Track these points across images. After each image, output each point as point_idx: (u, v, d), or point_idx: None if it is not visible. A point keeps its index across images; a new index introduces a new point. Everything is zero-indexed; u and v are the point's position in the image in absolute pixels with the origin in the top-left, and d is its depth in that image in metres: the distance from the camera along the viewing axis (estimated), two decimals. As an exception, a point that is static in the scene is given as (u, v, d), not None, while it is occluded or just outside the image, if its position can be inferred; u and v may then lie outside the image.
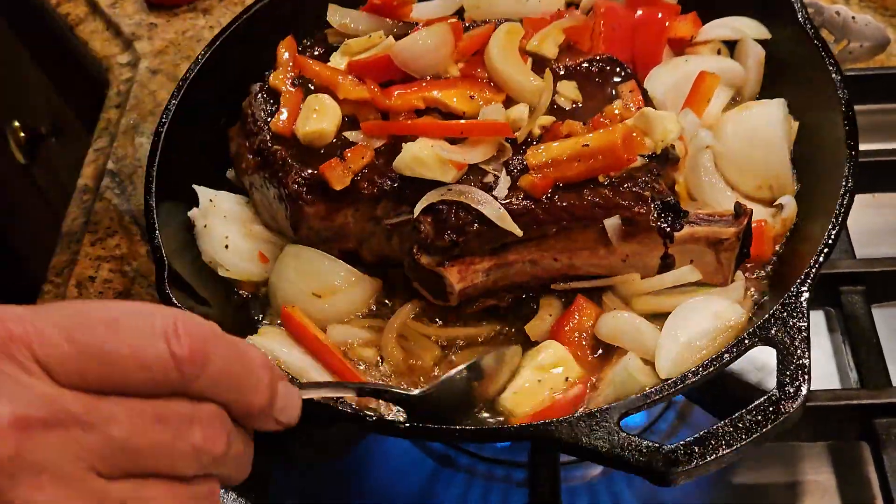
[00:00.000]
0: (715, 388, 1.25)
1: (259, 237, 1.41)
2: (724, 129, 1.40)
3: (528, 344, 1.30)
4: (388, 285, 1.38)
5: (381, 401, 1.22)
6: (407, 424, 1.13)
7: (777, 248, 1.34)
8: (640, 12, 1.52)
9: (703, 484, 1.39)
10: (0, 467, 0.71)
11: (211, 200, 1.42)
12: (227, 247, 1.39)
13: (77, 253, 1.62)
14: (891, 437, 1.28)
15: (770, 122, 1.40)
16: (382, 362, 1.31)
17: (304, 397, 0.98)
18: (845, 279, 1.43)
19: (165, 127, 1.41)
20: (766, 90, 1.50)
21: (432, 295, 1.32)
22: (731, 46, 1.53)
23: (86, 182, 1.74)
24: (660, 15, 1.52)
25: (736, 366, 1.17)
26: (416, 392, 1.20)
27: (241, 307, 1.38)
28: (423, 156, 1.27)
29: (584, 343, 1.29)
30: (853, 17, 1.67)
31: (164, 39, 1.91)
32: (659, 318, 1.28)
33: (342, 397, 1.16)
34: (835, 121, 1.33)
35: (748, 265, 1.33)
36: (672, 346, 1.22)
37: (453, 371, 1.22)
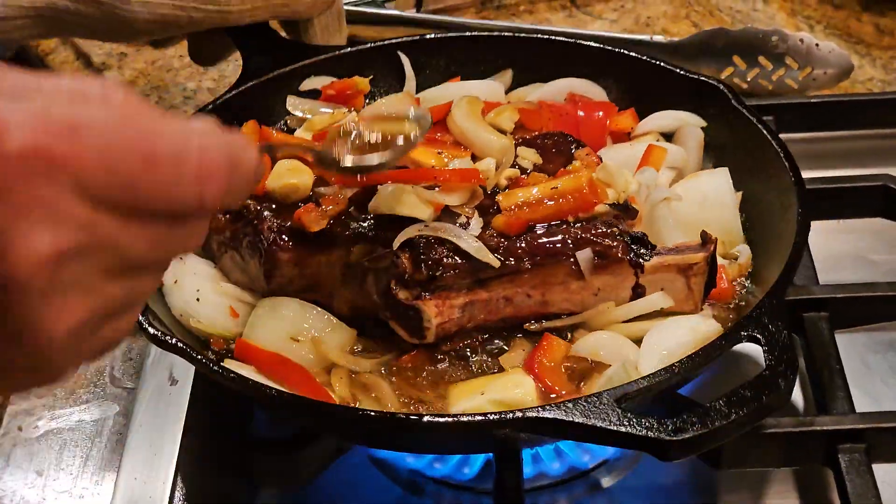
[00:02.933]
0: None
1: (230, 294, 1.42)
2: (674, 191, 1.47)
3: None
4: (363, 337, 1.38)
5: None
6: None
7: (738, 290, 1.41)
8: (581, 109, 1.61)
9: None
10: (37, 290, 0.75)
11: (181, 258, 1.43)
12: (198, 299, 1.39)
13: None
14: (853, 464, 1.29)
15: (718, 186, 1.48)
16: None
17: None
18: (809, 305, 1.47)
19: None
20: (706, 168, 1.58)
21: (409, 333, 1.33)
22: (668, 139, 1.61)
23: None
24: (600, 113, 1.62)
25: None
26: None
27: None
28: (399, 194, 1.32)
29: (557, 374, 1.31)
30: (817, 45, 1.79)
31: (135, 69, 1.93)
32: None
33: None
34: (780, 176, 1.43)
35: (712, 302, 1.38)
36: (655, 352, 1.26)
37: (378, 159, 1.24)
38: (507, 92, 1.70)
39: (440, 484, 1.41)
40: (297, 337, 1.34)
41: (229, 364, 1.30)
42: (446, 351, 1.35)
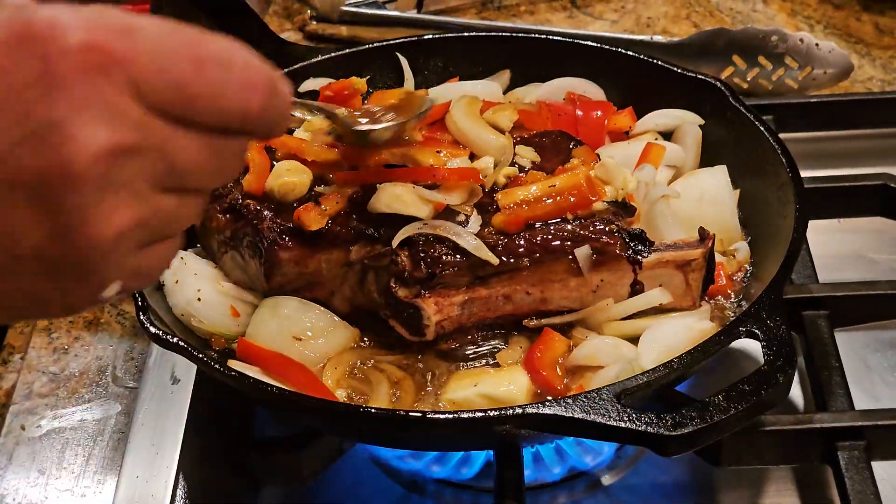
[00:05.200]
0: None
1: (230, 294, 1.42)
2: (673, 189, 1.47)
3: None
4: (364, 336, 1.39)
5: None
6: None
7: (736, 286, 1.41)
8: (579, 109, 1.61)
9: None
10: (91, 184, 0.77)
11: (182, 258, 1.43)
12: (199, 299, 1.39)
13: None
14: (852, 461, 1.30)
15: (718, 184, 1.49)
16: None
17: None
18: (809, 303, 1.47)
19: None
20: (703, 167, 1.58)
21: (408, 331, 1.33)
22: (666, 138, 1.62)
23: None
24: (598, 112, 1.62)
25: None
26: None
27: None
28: (399, 192, 1.32)
29: (554, 369, 1.31)
30: (817, 44, 1.79)
31: None
32: (632, 342, 1.32)
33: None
34: (777, 172, 1.44)
35: (710, 300, 1.39)
36: (654, 348, 1.27)
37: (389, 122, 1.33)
38: (505, 92, 1.70)
39: (441, 483, 1.41)
40: (300, 336, 1.34)
41: (233, 364, 1.30)
42: (445, 349, 1.35)
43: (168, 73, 0.79)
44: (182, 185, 0.84)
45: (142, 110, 0.79)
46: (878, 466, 1.31)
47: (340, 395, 1.31)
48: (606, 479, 1.41)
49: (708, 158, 1.59)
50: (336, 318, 1.37)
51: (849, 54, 1.84)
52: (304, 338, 1.35)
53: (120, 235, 0.80)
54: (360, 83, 1.61)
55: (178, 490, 1.33)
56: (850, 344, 1.52)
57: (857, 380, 1.45)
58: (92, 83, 0.76)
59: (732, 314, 1.37)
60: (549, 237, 1.32)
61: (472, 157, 1.44)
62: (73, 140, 0.76)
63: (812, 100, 1.80)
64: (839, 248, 1.65)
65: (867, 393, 1.49)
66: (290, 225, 1.37)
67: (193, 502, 1.33)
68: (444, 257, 1.30)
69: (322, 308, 1.37)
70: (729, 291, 1.40)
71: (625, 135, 1.63)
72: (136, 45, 0.78)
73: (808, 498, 1.39)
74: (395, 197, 1.32)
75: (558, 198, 1.34)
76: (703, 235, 1.35)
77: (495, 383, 1.28)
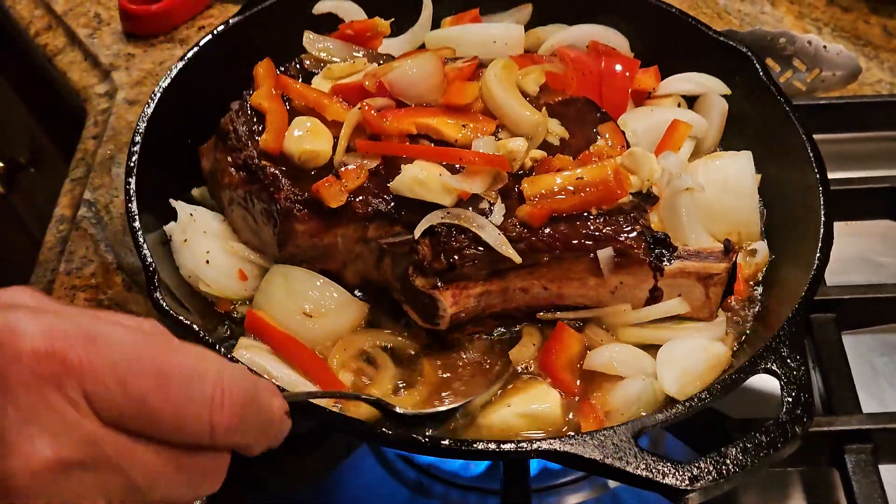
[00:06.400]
0: (695, 424, 1.28)
1: (239, 255, 1.39)
2: (696, 176, 1.44)
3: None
4: (374, 311, 1.37)
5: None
6: (427, 441, 1.13)
7: (752, 291, 1.40)
8: (603, 63, 1.56)
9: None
10: (33, 498, 0.75)
11: (191, 215, 1.39)
12: (207, 262, 1.36)
13: (52, 282, 1.58)
14: (860, 464, 1.31)
15: (741, 171, 1.46)
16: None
17: (290, 400, 0.97)
18: (816, 307, 1.47)
19: (140, 139, 1.39)
20: (725, 143, 1.56)
21: (422, 318, 1.31)
22: (689, 101, 1.58)
23: (62, 212, 1.70)
24: (621, 67, 1.56)
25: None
26: (405, 412, 1.21)
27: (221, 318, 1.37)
28: (423, 177, 1.29)
29: (570, 373, 1.31)
30: (825, 47, 1.77)
31: (142, 70, 1.90)
32: (645, 350, 1.31)
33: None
34: (803, 171, 1.41)
35: (728, 304, 1.37)
36: (674, 371, 1.26)
37: (448, 407, 1.25)
38: (526, 29, 1.64)
39: (447, 484, 1.41)
40: (310, 312, 1.32)
41: (243, 344, 1.28)
42: (457, 338, 1.34)
43: (128, 386, 0.76)
44: (147, 499, 0.80)
45: (96, 424, 0.76)
46: (885, 469, 1.32)
47: (345, 378, 1.29)
48: (613, 482, 1.41)
49: (731, 134, 1.55)
50: (347, 296, 1.34)
51: (857, 57, 1.82)
52: (314, 315, 1.32)
53: None
54: (383, 25, 1.56)
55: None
56: (857, 347, 1.52)
57: (864, 383, 1.45)
58: (41, 394, 0.74)
59: (748, 320, 1.37)
60: (573, 234, 1.29)
61: (498, 129, 1.39)
62: (15, 453, 0.73)
63: (820, 102, 1.78)
64: (847, 251, 1.64)
65: (874, 396, 1.49)
66: (308, 196, 1.33)
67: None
68: (465, 250, 1.27)
69: (334, 284, 1.34)
70: (745, 297, 1.40)
71: (647, 95, 1.58)
72: (95, 356, 0.75)
73: (815, 500, 1.40)
74: (419, 182, 1.29)
75: (585, 190, 1.31)
76: (728, 248, 1.33)
77: (528, 400, 1.27)
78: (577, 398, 1.29)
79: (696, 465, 1.10)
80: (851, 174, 1.67)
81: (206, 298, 1.37)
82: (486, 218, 1.28)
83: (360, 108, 1.37)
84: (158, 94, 1.45)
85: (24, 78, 2.21)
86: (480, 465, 1.41)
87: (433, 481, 1.42)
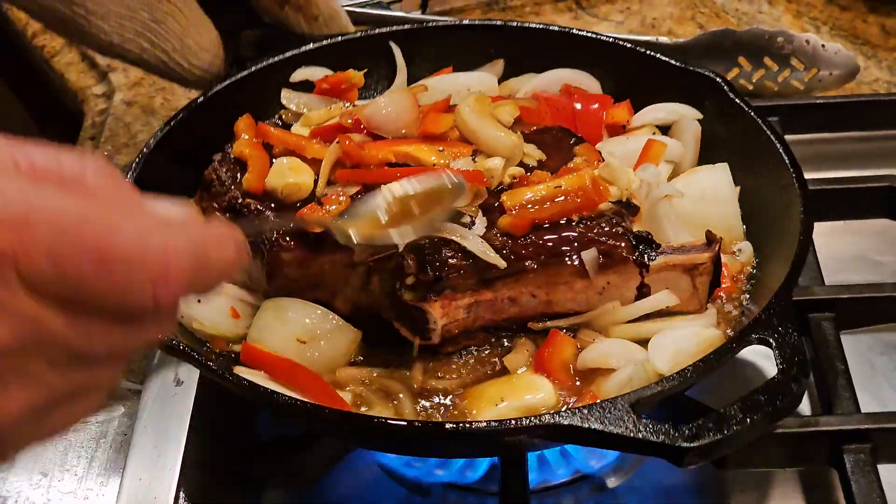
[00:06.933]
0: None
1: (230, 294, 1.41)
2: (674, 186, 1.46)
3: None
4: (367, 336, 1.37)
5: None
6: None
7: (739, 288, 1.41)
8: (576, 101, 1.61)
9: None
10: None
11: (183, 257, 1.41)
12: (199, 300, 1.38)
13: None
14: (858, 464, 1.30)
15: (718, 181, 1.48)
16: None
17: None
18: (815, 306, 1.47)
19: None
20: (701, 164, 1.57)
21: (414, 333, 1.33)
22: (663, 131, 1.61)
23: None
24: (596, 105, 1.61)
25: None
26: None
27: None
28: (403, 195, 1.30)
29: (565, 372, 1.31)
30: (823, 46, 1.78)
31: (139, 71, 1.92)
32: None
33: None
34: (779, 173, 1.42)
35: (718, 300, 1.38)
36: (666, 352, 1.27)
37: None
38: (499, 82, 1.68)
39: (445, 486, 1.41)
40: (304, 339, 1.33)
41: (239, 371, 1.29)
42: (451, 352, 1.35)
43: (64, 270, 0.75)
44: (87, 364, 0.81)
45: (33, 303, 0.75)
46: (883, 469, 1.31)
47: (345, 397, 1.30)
48: (611, 482, 1.41)
49: (707, 155, 1.58)
50: (339, 320, 1.35)
51: (855, 56, 1.84)
52: (308, 340, 1.33)
53: (16, 419, 0.78)
54: (357, 76, 1.60)
55: (181, 492, 1.32)
56: (855, 346, 1.51)
57: (862, 382, 1.45)
58: None
59: (738, 315, 1.37)
60: (556, 239, 1.31)
61: (475, 153, 1.42)
62: None
63: (818, 101, 1.80)
64: (845, 250, 1.65)
65: (873, 395, 1.48)
66: (293, 225, 1.35)
67: (196, 504, 1.33)
68: (450, 260, 1.29)
69: (324, 309, 1.36)
70: (733, 293, 1.40)
71: (622, 128, 1.61)
72: (31, 240, 0.74)
73: (814, 500, 1.38)
74: (399, 200, 1.30)
75: (564, 199, 1.33)
76: (711, 239, 1.34)
77: (520, 392, 1.27)
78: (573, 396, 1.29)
79: (697, 424, 1.09)
80: (849, 173, 1.68)
81: (201, 339, 1.38)
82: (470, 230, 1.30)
83: (338, 142, 1.40)
84: (142, 158, 1.46)
85: (21, 79, 2.23)
86: (480, 468, 1.41)
87: (431, 482, 1.41)
